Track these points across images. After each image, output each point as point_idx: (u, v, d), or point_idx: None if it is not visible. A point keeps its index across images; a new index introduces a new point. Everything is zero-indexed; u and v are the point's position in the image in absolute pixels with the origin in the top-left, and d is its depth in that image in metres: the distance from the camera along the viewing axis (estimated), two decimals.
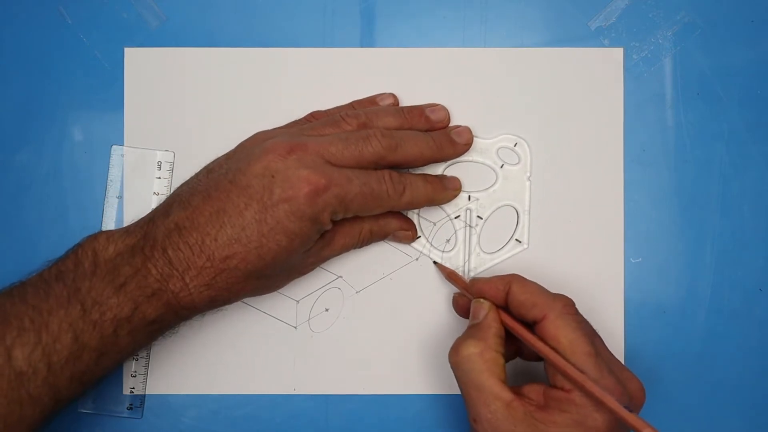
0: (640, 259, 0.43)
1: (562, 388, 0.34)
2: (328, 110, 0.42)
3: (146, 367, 0.43)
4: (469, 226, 0.42)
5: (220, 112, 0.43)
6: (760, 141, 0.43)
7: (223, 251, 0.35)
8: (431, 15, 0.44)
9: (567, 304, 0.36)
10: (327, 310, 0.43)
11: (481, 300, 0.38)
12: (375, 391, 0.43)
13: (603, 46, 0.44)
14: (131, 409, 0.42)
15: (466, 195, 0.43)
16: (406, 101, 0.43)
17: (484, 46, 0.44)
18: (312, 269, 0.41)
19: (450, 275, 0.42)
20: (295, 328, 0.43)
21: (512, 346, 0.38)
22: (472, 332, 0.37)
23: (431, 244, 0.43)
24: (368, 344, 0.43)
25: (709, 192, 0.43)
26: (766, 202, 0.43)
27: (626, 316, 0.43)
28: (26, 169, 0.43)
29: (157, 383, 0.43)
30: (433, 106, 0.42)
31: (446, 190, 0.42)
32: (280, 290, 0.42)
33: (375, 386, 0.43)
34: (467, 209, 0.43)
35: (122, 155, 0.43)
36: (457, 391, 0.43)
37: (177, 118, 0.43)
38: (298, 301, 0.43)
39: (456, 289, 0.42)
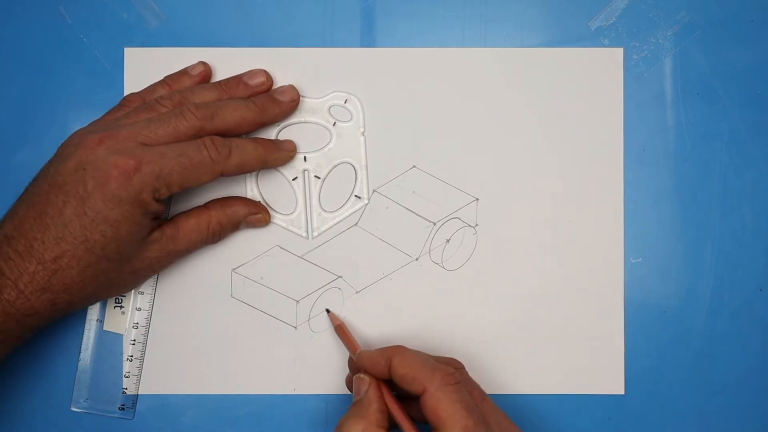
0: (640, 259, 0.43)
1: None
2: (141, 92, 0.41)
3: (140, 368, 0.42)
4: (308, 186, 0.42)
5: None
6: (760, 141, 0.43)
7: (51, 252, 0.35)
8: (431, 15, 0.44)
9: (447, 374, 0.34)
10: (327, 310, 0.43)
11: (362, 375, 0.37)
12: None
13: (603, 46, 0.43)
14: (123, 409, 0.42)
15: (302, 156, 0.43)
16: (406, 101, 0.43)
17: (484, 46, 0.44)
18: (163, 266, 0.40)
19: (339, 329, 0.42)
20: (295, 328, 0.43)
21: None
22: (355, 410, 0.36)
23: (278, 212, 0.43)
24: (368, 344, 0.43)
25: (709, 192, 0.43)
26: (766, 202, 0.43)
27: (626, 316, 0.43)
28: (26, 169, 0.43)
29: (156, 383, 0.43)
30: (251, 72, 0.42)
31: (279, 150, 0.42)
32: (278, 290, 0.43)
33: None
34: (304, 170, 0.43)
35: None
36: None
37: None
38: (298, 301, 0.43)
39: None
